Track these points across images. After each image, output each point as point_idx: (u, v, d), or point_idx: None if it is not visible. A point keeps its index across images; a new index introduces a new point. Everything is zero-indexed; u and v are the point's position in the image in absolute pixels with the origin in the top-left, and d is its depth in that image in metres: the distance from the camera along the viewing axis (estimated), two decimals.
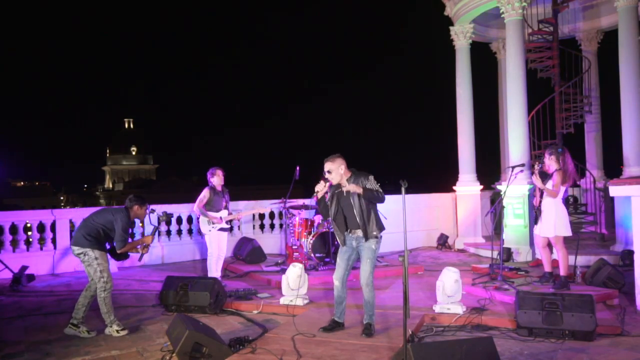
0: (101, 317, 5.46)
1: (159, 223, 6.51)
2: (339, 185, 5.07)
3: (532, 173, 6.58)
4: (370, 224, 4.99)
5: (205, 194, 7.37)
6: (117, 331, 5.32)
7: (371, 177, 5.02)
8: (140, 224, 9.75)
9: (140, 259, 5.76)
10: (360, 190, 4.89)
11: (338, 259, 5.16)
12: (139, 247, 5.63)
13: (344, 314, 5.19)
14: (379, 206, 5.12)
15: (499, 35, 12.26)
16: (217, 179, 7.44)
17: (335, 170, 5.00)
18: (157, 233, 8.61)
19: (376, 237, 5.01)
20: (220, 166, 7.54)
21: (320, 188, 5.03)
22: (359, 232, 5.03)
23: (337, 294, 5.14)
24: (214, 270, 7.42)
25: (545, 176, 6.52)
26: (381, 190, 5.00)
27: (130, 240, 5.59)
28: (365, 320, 5.06)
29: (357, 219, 4.98)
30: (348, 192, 5.00)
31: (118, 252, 5.45)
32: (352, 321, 5.35)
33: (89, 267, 5.34)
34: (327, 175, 5.03)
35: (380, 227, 5.07)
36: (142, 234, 9.81)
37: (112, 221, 5.37)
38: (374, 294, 5.05)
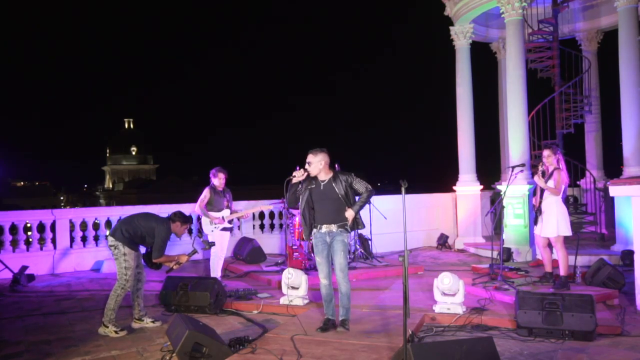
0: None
1: (204, 249, 6.73)
2: (313, 181, 5.14)
3: (535, 173, 6.58)
4: (358, 218, 5.16)
5: (205, 193, 7.35)
6: (116, 332, 5.30)
7: (353, 175, 5.14)
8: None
9: (168, 272, 5.85)
10: (352, 215, 5.04)
11: (318, 259, 5.20)
12: (173, 262, 5.70)
13: (335, 311, 5.23)
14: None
15: (499, 35, 12.25)
16: (218, 181, 7.42)
17: (315, 163, 5.08)
18: None
19: (348, 231, 5.15)
20: (224, 167, 7.52)
21: (298, 174, 5.10)
22: (333, 227, 5.09)
23: (326, 292, 5.18)
24: (217, 270, 7.40)
25: (543, 175, 6.53)
26: (368, 187, 5.11)
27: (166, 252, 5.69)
28: (342, 316, 5.12)
29: (335, 215, 5.06)
30: (327, 186, 5.09)
31: (154, 260, 5.55)
32: (351, 321, 5.34)
33: (116, 261, 5.48)
34: (307, 167, 5.10)
35: (362, 224, 5.22)
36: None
37: (153, 228, 5.48)
38: (349, 285, 5.16)
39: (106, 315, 5.38)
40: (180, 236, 5.82)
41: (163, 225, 5.52)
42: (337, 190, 5.07)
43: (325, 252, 5.17)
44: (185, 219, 5.71)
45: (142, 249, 5.69)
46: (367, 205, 5.14)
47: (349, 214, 5.05)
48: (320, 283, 5.20)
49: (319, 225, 5.16)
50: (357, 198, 5.19)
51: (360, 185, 5.10)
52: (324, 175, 5.13)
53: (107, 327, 5.32)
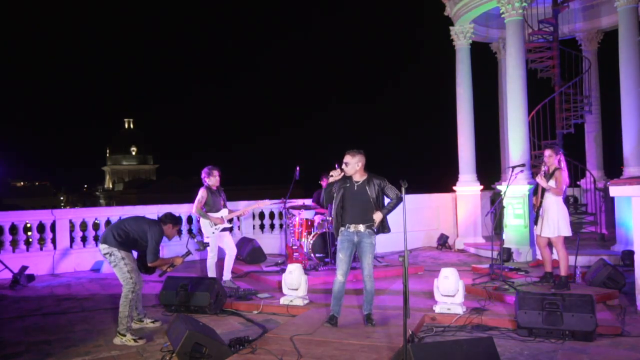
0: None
1: (198, 250, 6.64)
2: (347, 180, 5.27)
3: (537, 173, 6.60)
4: (385, 222, 5.32)
5: (202, 194, 7.24)
6: (134, 340, 5.07)
7: (386, 181, 5.30)
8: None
9: (161, 275, 5.73)
10: (380, 218, 5.20)
11: (341, 255, 5.27)
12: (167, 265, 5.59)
13: (341, 311, 5.30)
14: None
15: (499, 35, 12.26)
16: (213, 179, 7.30)
17: (352, 164, 5.21)
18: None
19: (375, 232, 5.28)
20: (217, 165, 7.43)
21: (335, 174, 5.26)
22: (361, 227, 5.22)
23: (338, 289, 5.25)
24: (225, 270, 7.37)
25: (544, 176, 6.54)
26: (398, 194, 5.26)
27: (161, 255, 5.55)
28: (366, 311, 5.31)
29: (366, 216, 5.21)
30: (360, 187, 5.23)
31: (149, 264, 5.41)
32: (352, 321, 5.36)
33: (116, 267, 5.31)
34: (343, 167, 5.23)
35: (388, 228, 5.37)
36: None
37: (145, 232, 5.34)
38: (374, 284, 5.37)
39: (121, 323, 5.12)
40: (171, 238, 5.67)
41: (155, 228, 5.37)
42: (369, 192, 5.21)
43: (349, 250, 5.27)
44: (176, 221, 5.59)
45: (134, 254, 5.55)
46: (393, 207, 5.33)
47: (377, 216, 5.20)
48: (336, 279, 5.28)
49: (347, 225, 5.27)
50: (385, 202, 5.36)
51: (391, 191, 5.27)
52: (359, 177, 5.26)
53: (125, 335, 5.08)
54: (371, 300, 5.32)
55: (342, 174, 5.25)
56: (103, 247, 5.33)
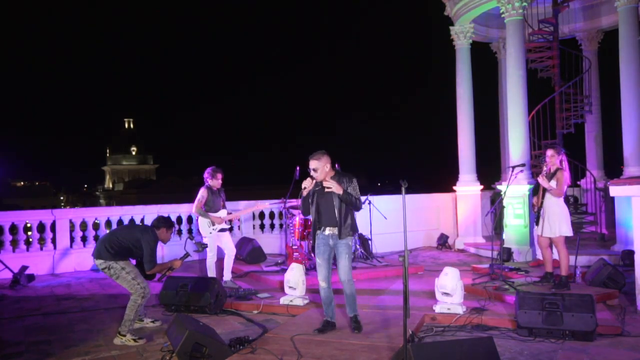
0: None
1: (196, 251, 6.57)
2: (317, 184, 5.11)
3: (538, 174, 6.60)
4: (345, 225, 5.04)
5: (203, 194, 7.25)
6: (134, 340, 5.07)
7: (354, 181, 5.11)
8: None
9: (160, 279, 5.66)
10: (340, 191, 4.95)
11: (319, 260, 5.15)
12: (165, 269, 5.53)
13: (335, 313, 5.22)
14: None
15: (499, 35, 12.26)
16: (215, 182, 7.30)
17: (321, 168, 5.02)
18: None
19: (352, 235, 5.09)
20: (220, 167, 7.43)
21: (308, 185, 5.08)
22: (335, 230, 5.06)
23: (325, 295, 5.13)
24: (225, 270, 7.36)
25: (545, 176, 6.53)
26: (360, 199, 5.12)
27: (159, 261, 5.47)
28: (351, 314, 5.12)
29: (336, 217, 5.03)
30: (329, 189, 5.02)
31: (147, 272, 5.33)
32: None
33: (119, 278, 5.23)
34: (312, 174, 5.06)
35: (355, 229, 5.14)
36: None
37: (139, 239, 5.23)
38: (354, 287, 5.14)
39: (124, 325, 5.12)
40: (166, 242, 5.56)
41: (148, 234, 5.27)
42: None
43: (326, 254, 5.13)
44: (170, 224, 5.50)
45: (132, 262, 5.48)
46: (350, 200, 5.06)
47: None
48: (319, 285, 5.15)
49: (322, 227, 5.12)
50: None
51: (354, 192, 5.05)
52: (328, 177, 5.10)
53: (125, 335, 5.08)
54: (353, 302, 5.10)
55: (314, 181, 5.08)
56: (99, 263, 5.25)
